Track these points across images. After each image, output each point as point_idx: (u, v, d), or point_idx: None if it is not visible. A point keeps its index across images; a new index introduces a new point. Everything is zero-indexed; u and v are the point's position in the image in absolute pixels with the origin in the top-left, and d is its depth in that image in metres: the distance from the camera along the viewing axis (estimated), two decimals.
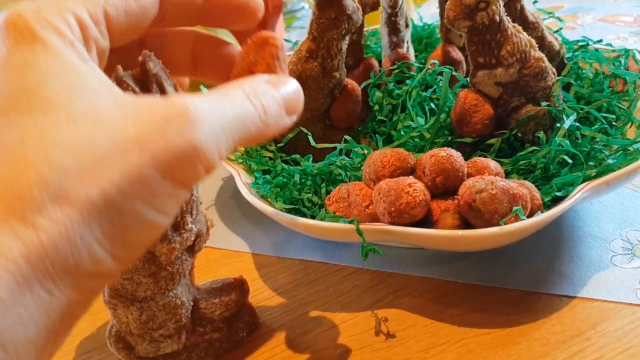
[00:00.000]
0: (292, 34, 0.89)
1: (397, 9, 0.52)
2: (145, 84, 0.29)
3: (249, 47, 0.31)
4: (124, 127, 0.21)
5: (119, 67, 0.28)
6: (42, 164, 0.20)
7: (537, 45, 0.43)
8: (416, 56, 0.58)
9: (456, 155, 0.38)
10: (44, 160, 0.20)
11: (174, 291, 0.34)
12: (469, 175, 0.38)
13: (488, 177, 0.36)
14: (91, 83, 0.23)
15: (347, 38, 0.46)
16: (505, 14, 0.42)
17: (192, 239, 0.33)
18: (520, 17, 0.48)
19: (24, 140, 0.20)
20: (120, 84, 0.28)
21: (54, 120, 0.21)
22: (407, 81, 0.49)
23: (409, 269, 0.42)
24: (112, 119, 0.22)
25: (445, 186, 0.37)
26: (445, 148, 0.38)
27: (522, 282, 0.40)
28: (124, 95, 0.23)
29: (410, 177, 0.38)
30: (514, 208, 0.35)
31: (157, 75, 0.29)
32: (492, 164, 0.39)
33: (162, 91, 0.30)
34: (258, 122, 0.25)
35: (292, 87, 0.28)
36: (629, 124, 0.45)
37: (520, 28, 0.43)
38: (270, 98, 0.26)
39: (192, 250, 0.34)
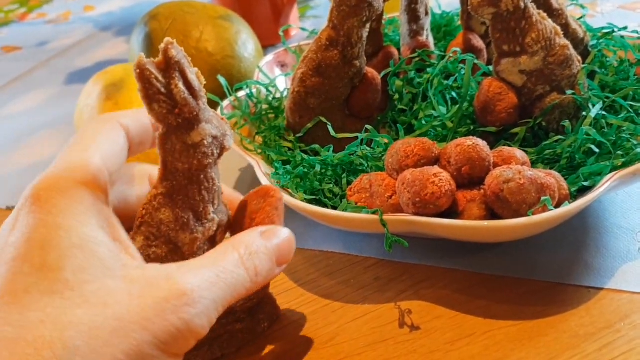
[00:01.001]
0: (306, 23, 0.89)
1: None
2: (168, 71, 0.29)
3: (252, 196, 0.35)
4: (130, 307, 0.25)
5: (142, 54, 0.28)
6: (57, 344, 0.24)
7: (562, 33, 0.42)
8: (435, 44, 0.57)
9: (482, 144, 0.37)
10: (59, 342, 0.24)
11: None
12: (495, 165, 0.37)
13: (515, 167, 0.35)
14: (104, 259, 0.27)
15: (368, 26, 0.46)
16: (530, 0, 0.41)
17: (214, 228, 0.33)
18: (544, 3, 0.47)
19: (44, 322, 0.24)
20: (143, 72, 0.28)
21: (69, 302, 0.25)
22: (428, 69, 0.48)
23: (432, 261, 0.41)
24: (120, 299, 0.26)
25: (471, 176, 0.37)
26: (471, 137, 0.38)
27: (548, 273, 0.39)
28: (132, 268, 0.27)
29: (435, 166, 0.37)
30: (542, 198, 0.34)
31: (179, 62, 0.29)
32: (519, 153, 0.38)
33: (185, 78, 0.29)
34: (249, 285, 0.30)
35: (284, 236, 0.33)
36: None
37: (545, 15, 0.42)
38: (263, 256, 0.31)
39: (214, 240, 0.34)
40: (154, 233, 0.31)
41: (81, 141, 0.31)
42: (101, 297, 0.25)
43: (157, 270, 0.28)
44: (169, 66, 0.29)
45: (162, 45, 0.29)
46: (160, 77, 0.29)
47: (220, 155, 0.32)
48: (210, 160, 0.31)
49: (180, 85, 0.29)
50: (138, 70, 0.28)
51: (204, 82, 0.31)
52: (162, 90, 0.29)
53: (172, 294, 0.26)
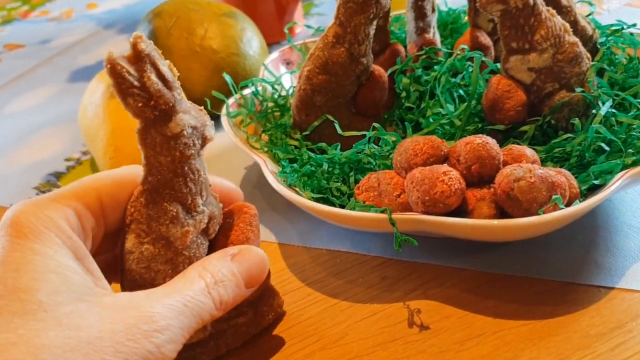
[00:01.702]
0: (310, 20, 0.88)
1: None
2: (139, 64, 0.29)
3: (227, 213, 0.35)
4: (102, 331, 0.26)
5: (111, 51, 0.29)
6: None
7: (571, 30, 0.42)
8: (442, 42, 0.57)
9: (492, 142, 0.37)
10: None
11: None
12: (505, 163, 0.37)
13: (526, 165, 0.35)
14: (77, 285, 0.27)
15: (375, 23, 0.45)
16: None
17: (206, 221, 0.33)
18: (553, 0, 0.46)
19: (16, 343, 0.24)
20: (115, 66, 0.28)
21: (42, 323, 0.25)
22: (435, 67, 0.48)
23: (441, 260, 0.41)
24: (92, 322, 0.26)
25: (480, 174, 0.36)
26: (481, 135, 0.37)
27: (558, 272, 0.39)
28: (103, 296, 0.28)
29: (445, 165, 0.37)
30: (553, 197, 0.34)
31: (150, 55, 0.29)
32: (529, 151, 0.38)
33: (157, 70, 0.30)
34: (214, 312, 0.31)
35: (255, 258, 0.33)
36: None
37: (554, 12, 0.42)
38: (229, 284, 0.31)
39: (206, 233, 0.34)
40: (145, 230, 0.31)
41: (88, 178, 0.32)
42: (74, 320, 0.26)
43: (127, 298, 0.28)
44: (139, 59, 0.29)
45: (131, 40, 0.29)
46: (132, 71, 0.29)
47: (202, 146, 0.32)
48: (193, 151, 0.31)
49: (153, 77, 0.29)
50: (109, 66, 0.28)
51: (178, 74, 0.31)
52: (135, 83, 0.29)
53: (141, 320, 0.27)
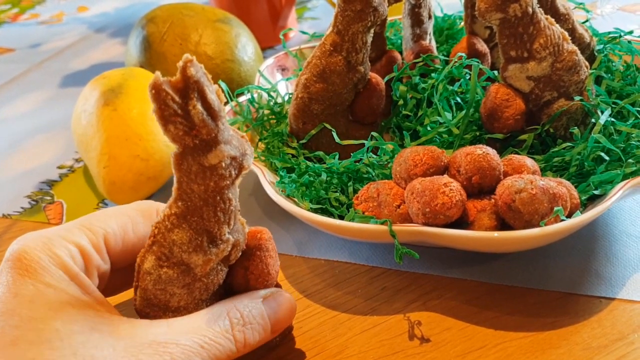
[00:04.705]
0: (303, 25, 0.88)
1: (421, 0, 0.50)
2: (186, 91, 0.27)
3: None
4: None
5: (158, 73, 0.26)
6: None
7: (569, 38, 0.42)
8: (437, 48, 0.57)
9: (492, 153, 0.36)
10: None
11: (208, 301, 0.33)
12: (505, 174, 0.37)
13: (527, 176, 0.35)
14: (92, 316, 0.28)
15: (372, 31, 0.45)
16: (538, 5, 0.41)
17: (229, 249, 0.31)
18: (551, 8, 0.46)
19: None
20: (159, 92, 0.26)
21: (58, 352, 0.25)
22: (432, 74, 0.48)
23: (440, 270, 0.41)
24: (106, 355, 0.26)
25: (481, 185, 0.36)
26: (481, 146, 0.37)
27: (558, 283, 0.38)
28: (119, 324, 0.28)
29: (445, 176, 0.37)
30: (555, 208, 0.34)
31: (198, 82, 0.27)
32: (529, 161, 0.37)
33: (204, 99, 0.27)
34: (232, 355, 0.30)
35: (287, 304, 0.33)
36: None
37: (552, 20, 0.41)
38: (257, 327, 0.31)
39: (227, 259, 0.32)
40: (166, 254, 0.30)
41: (95, 215, 0.32)
42: (89, 350, 0.26)
43: (145, 328, 0.29)
44: (187, 86, 0.27)
45: (181, 63, 0.26)
46: (176, 98, 0.26)
47: (238, 175, 0.30)
48: (227, 182, 0.29)
49: (199, 106, 0.27)
50: (153, 91, 0.26)
51: (224, 101, 0.29)
52: (179, 111, 0.27)
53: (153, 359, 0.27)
